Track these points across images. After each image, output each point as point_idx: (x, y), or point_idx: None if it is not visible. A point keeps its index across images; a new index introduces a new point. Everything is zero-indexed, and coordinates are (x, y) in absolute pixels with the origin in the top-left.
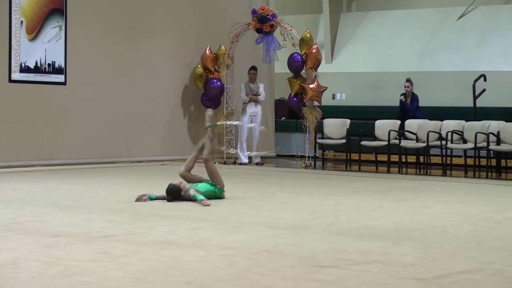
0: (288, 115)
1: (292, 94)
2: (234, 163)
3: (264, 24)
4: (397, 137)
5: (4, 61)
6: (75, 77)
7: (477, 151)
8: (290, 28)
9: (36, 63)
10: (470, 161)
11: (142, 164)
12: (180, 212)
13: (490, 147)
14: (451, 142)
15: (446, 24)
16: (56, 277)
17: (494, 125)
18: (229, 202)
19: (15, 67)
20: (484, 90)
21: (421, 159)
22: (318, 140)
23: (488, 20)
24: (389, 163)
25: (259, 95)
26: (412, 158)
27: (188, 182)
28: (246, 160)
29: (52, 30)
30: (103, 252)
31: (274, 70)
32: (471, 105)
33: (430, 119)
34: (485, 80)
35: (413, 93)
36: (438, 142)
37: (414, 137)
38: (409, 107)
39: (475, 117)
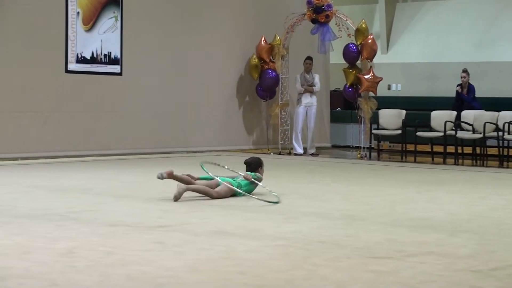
0: (343, 105)
1: (348, 84)
2: (289, 153)
3: (319, 14)
4: (453, 128)
5: (60, 52)
6: (131, 68)
7: None
8: (345, 19)
9: (92, 53)
10: None
11: (197, 155)
12: (235, 202)
13: None
14: (508, 133)
15: (504, 13)
16: (113, 266)
17: None
18: (284, 192)
19: (71, 57)
20: None
21: (478, 150)
22: (374, 131)
23: None
24: (445, 154)
25: (314, 85)
26: (468, 149)
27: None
28: (301, 151)
29: (108, 21)
30: (159, 241)
31: (329, 60)
32: None
33: (486, 110)
34: None
35: (469, 83)
36: (495, 133)
37: (470, 128)
38: (465, 98)
39: None
